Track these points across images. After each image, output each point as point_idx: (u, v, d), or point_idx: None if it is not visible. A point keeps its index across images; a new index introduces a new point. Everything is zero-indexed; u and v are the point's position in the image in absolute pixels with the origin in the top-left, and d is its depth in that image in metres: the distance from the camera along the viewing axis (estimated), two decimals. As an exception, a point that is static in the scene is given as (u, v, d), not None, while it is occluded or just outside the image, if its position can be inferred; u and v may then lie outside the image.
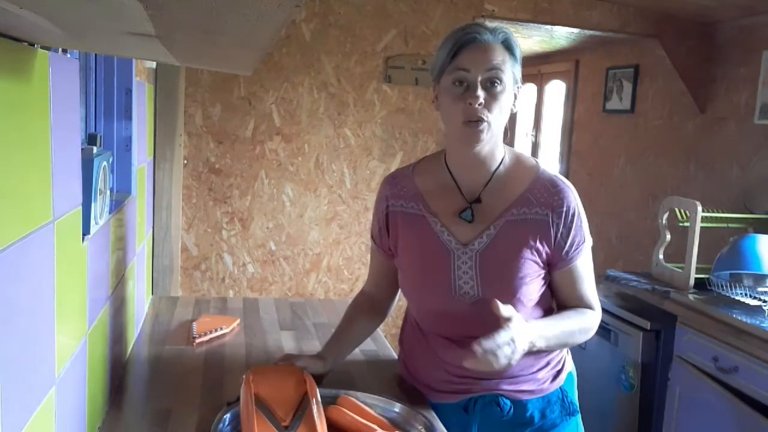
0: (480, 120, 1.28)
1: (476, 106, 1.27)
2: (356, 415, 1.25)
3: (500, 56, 1.29)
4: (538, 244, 1.35)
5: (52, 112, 0.94)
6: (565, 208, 1.36)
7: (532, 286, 1.37)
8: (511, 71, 1.31)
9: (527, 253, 1.35)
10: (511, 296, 1.34)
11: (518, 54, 1.33)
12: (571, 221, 1.36)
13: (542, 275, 1.38)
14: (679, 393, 2.44)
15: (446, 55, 1.30)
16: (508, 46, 1.31)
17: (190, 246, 2.87)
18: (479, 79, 1.28)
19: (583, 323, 1.40)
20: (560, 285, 1.42)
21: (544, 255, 1.36)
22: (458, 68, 1.29)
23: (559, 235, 1.36)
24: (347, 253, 3.02)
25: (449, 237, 1.37)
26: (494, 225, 1.35)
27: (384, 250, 1.50)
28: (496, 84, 1.28)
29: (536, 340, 1.28)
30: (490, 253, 1.35)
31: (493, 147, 1.36)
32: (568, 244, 1.37)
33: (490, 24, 1.34)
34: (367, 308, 1.57)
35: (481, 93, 1.27)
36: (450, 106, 1.31)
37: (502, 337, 1.19)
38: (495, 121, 1.30)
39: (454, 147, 1.40)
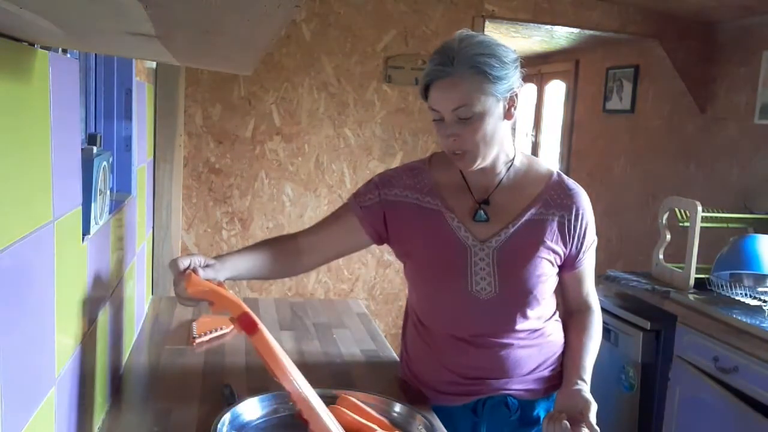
0: (461, 153, 1.32)
1: (451, 141, 1.30)
2: (356, 415, 1.25)
3: (467, 89, 1.26)
4: (554, 245, 1.39)
5: (52, 112, 0.94)
6: (581, 212, 1.41)
7: (548, 285, 1.41)
8: (487, 95, 1.27)
9: (544, 253, 1.38)
10: (527, 294, 1.38)
11: (496, 70, 1.26)
12: (585, 225, 1.42)
13: (555, 274, 1.43)
14: (679, 393, 2.44)
15: (420, 91, 1.34)
16: (478, 71, 1.25)
17: (190, 246, 2.87)
18: (449, 117, 1.29)
19: (596, 335, 1.46)
20: (568, 284, 1.47)
21: (559, 256, 1.41)
22: (430, 107, 1.32)
23: (575, 238, 1.41)
24: (347, 253, 3.02)
25: (466, 233, 1.38)
26: (512, 224, 1.38)
27: (363, 222, 1.43)
28: (468, 117, 1.28)
29: (587, 382, 1.37)
30: (508, 250, 1.37)
31: (493, 159, 1.37)
32: (582, 246, 1.42)
33: (456, 48, 1.26)
34: (287, 250, 1.44)
35: (452, 130, 1.29)
36: (436, 134, 1.36)
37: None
38: (478, 147, 1.31)
39: None
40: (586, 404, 1.29)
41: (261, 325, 1.16)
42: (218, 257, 1.31)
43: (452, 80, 1.26)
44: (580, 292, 1.48)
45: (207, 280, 1.22)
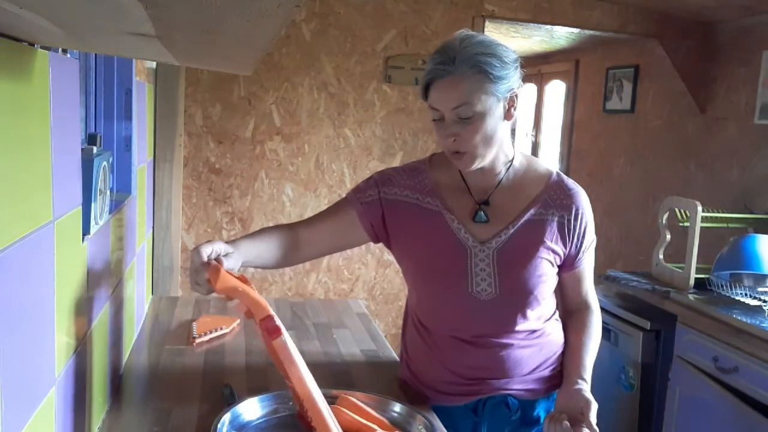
0: (461, 153, 1.31)
1: (451, 141, 1.30)
2: (356, 415, 1.25)
3: (467, 88, 1.26)
4: (554, 245, 1.39)
5: (52, 112, 0.94)
6: (581, 212, 1.41)
7: (549, 285, 1.41)
8: (487, 94, 1.27)
9: (544, 253, 1.38)
10: (528, 294, 1.38)
11: (497, 69, 1.26)
12: (585, 225, 1.42)
13: (555, 274, 1.43)
14: (679, 393, 2.44)
15: (421, 90, 1.33)
16: (479, 71, 1.26)
17: (190, 246, 2.87)
18: (449, 116, 1.29)
19: (596, 334, 1.47)
20: (567, 284, 1.48)
21: (559, 256, 1.41)
22: (430, 106, 1.31)
23: (575, 238, 1.41)
24: (347, 253, 3.02)
25: (466, 235, 1.38)
26: (512, 224, 1.38)
27: (362, 218, 1.42)
28: (468, 117, 1.28)
29: (588, 382, 1.38)
30: (508, 251, 1.37)
31: (492, 159, 1.37)
32: (582, 246, 1.42)
33: (457, 47, 1.27)
34: (287, 241, 1.41)
35: (452, 130, 1.29)
36: (436, 134, 1.35)
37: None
38: (478, 147, 1.31)
39: None
40: (587, 404, 1.29)
41: (284, 331, 1.15)
42: (233, 243, 1.27)
43: (453, 79, 1.26)
44: (580, 292, 1.49)
45: (227, 270, 1.18)
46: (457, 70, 1.26)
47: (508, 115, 1.33)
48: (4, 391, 0.77)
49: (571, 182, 1.45)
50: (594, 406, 1.29)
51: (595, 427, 1.26)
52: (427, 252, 1.41)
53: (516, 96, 1.32)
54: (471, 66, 1.26)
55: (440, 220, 1.39)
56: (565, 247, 1.40)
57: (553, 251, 1.39)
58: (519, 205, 1.40)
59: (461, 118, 1.28)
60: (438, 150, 1.45)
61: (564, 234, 1.40)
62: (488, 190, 1.40)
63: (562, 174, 1.46)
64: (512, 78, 1.30)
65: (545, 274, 1.39)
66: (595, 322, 1.47)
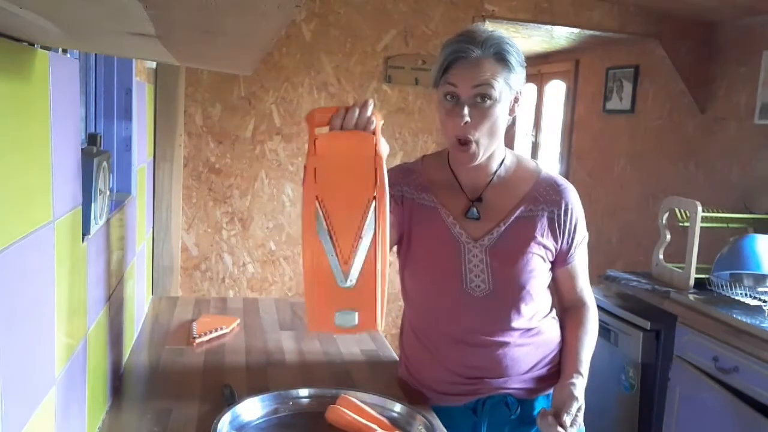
0: (468, 141, 1.32)
1: (462, 125, 1.30)
2: (356, 415, 1.25)
3: (489, 71, 1.29)
4: (545, 240, 1.40)
5: (52, 112, 0.94)
6: (570, 207, 1.42)
7: (541, 280, 1.42)
8: (504, 82, 1.31)
9: (534, 248, 1.39)
10: (520, 289, 1.39)
11: (515, 61, 1.32)
12: (575, 219, 1.43)
13: (548, 269, 1.44)
14: (679, 393, 2.44)
15: (438, 69, 1.33)
16: (501, 58, 1.30)
17: (190, 246, 2.87)
18: (467, 95, 1.30)
19: (592, 330, 1.47)
20: (562, 281, 1.48)
21: (550, 251, 1.42)
22: (447, 82, 1.32)
23: (565, 233, 1.42)
24: (347, 253, 3.01)
25: (460, 231, 1.39)
26: (504, 222, 1.39)
27: None
28: (485, 99, 1.30)
29: (584, 376, 1.38)
30: (500, 248, 1.38)
31: (489, 156, 1.39)
32: (573, 241, 1.43)
33: (484, 32, 1.32)
34: None
35: (467, 112, 1.29)
36: (442, 120, 1.35)
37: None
38: (485, 137, 1.32)
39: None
40: (570, 399, 1.29)
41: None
42: None
43: (478, 59, 1.29)
44: (574, 288, 1.49)
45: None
46: (483, 53, 1.29)
47: (511, 110, 1.36)
48: (4, 391, 0.77)
49: (560, 179, 1.46)
50: (576, 403, 1.29)
51: (565, 422, 1.25)
52: (423, 247, 1.43)
53: (520, 94, 1.37)
54: (495, 52, 1.30)
55: (436, 215, 1.41)
56: (556, 242, 1.41)
57: (544, 246, 1.40)
58: (509, 203, 1.41)
59: (477, 100, 1.29)
60: (438, 150, 1.46)
61: (554, 229, 1.41)
62: (480, 188, 1.42)
63: (551, 171, 1.48)
64: (522, 76, 1.35)
65: (536, 269, 1.40)
66: (591, 317, 1.48)
